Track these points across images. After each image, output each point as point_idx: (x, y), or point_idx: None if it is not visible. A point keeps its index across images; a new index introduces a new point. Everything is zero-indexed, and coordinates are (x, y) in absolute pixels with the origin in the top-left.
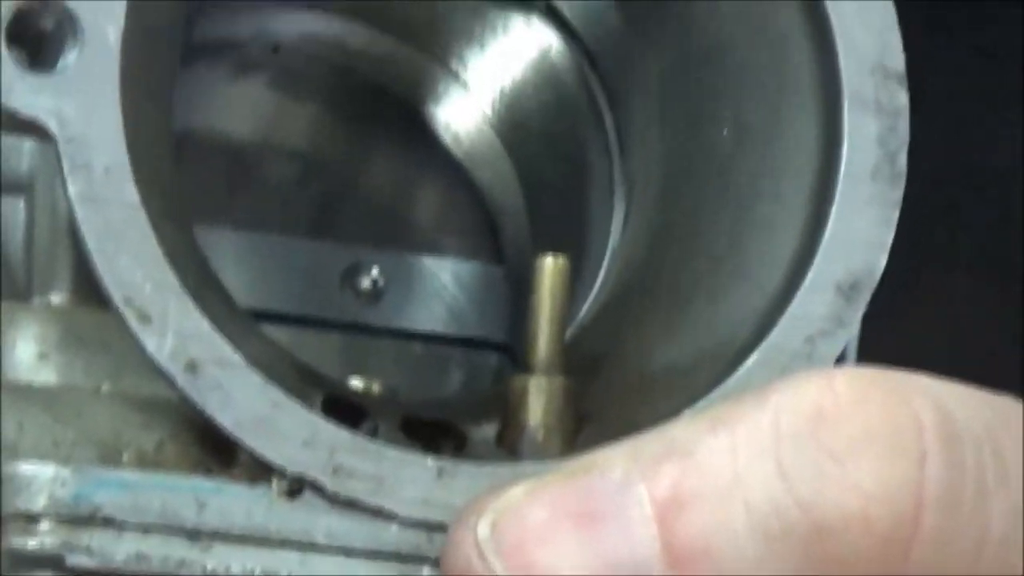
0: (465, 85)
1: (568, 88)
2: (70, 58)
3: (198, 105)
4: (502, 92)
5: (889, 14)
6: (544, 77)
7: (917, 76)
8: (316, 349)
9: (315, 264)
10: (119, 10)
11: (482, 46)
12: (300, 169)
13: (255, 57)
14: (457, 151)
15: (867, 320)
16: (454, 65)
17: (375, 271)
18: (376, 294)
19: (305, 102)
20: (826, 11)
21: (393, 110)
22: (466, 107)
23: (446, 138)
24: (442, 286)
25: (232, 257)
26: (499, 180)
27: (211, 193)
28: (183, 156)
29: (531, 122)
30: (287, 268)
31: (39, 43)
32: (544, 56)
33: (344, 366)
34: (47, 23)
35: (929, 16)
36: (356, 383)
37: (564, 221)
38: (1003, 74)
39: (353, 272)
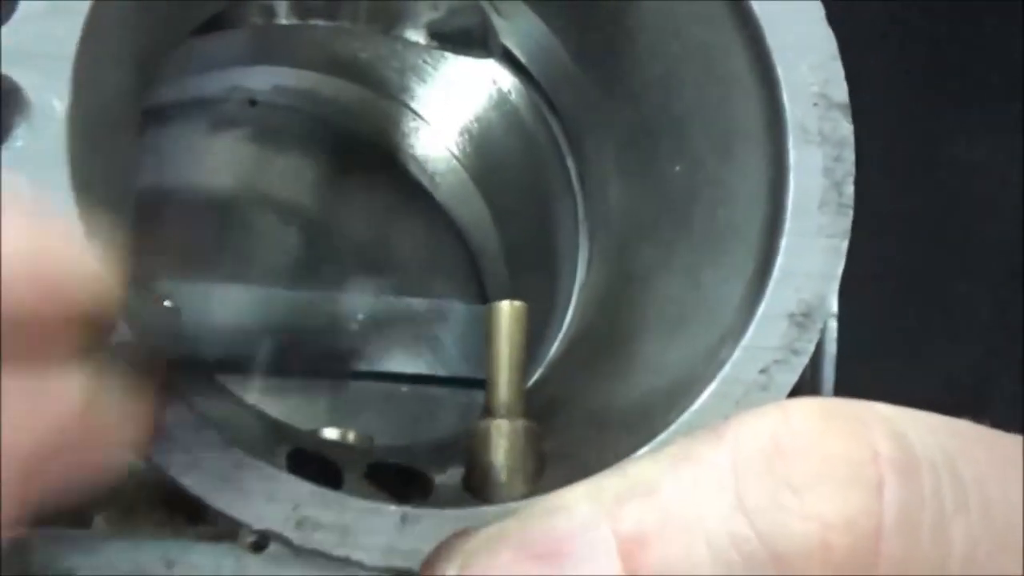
0: (433, 128)
1: (530, 130)
2: (19, 135)
3: (179, 161)
4: (470, 134)
5: (830, 45)
6: (507, 119)
7: None
8: (302, 395)
9: (300, 313)
10: (64, 83)
11: (446, 90)
12: (281, 215)
13: (233, 112)
14: (435, 192)
15: None
16: (421, 109)
17: (360, 316)
18: (362, 332)
19: (284, 152)
20: (767, 46)
21: (369, 155)
22: (437, 149)
23: (423, 180)
24: (427, 327)
25: (224, 308)
26: (475, 219)
27: (195, 246)
28: (169, 208)
29: (498, 162)
30: (273, 317)
31: None
32: (505, 99)
33: (331, 413)
34: None
35: None
36: (330, 433)
37: (535, 260)
38: None
39: (338, 319)
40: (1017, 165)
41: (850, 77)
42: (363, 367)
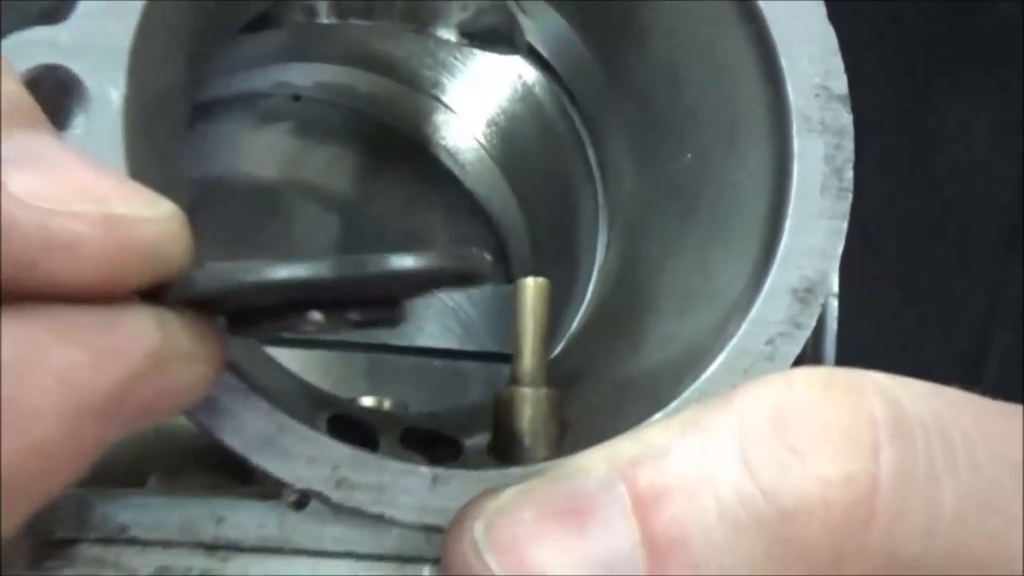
0: (462, 119)
1: (552, 121)
2: (78, 123)
3: (224, 154)
4: (496, 125)
5: (831, 40)
6: (531, 111)
7: None
8: (344, 369)
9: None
10: (120, 74)
11: (475, 84)
12: (322, 203)
13: (278, 106)
14: (464, 179)
15: None
16: (451, 102)
17: None
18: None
19: (324, 144)
20: (772, 40)
21: (403, 146)
22: (465, 139)
23: (453, 168)
24: (457, 306)
25: None
26: (503, 206)
27: (243, 228)
28: (217, 197)
29: (523, 152)
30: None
31: (51, 108)
32: (529, 91)
33: (369, 383)
34: (56, 89)
35: None
36: (367, 401)
37: (558, 243)
38: None
39: None
40: (1016, 163)
41: (850, 76)
42: (398, 342)
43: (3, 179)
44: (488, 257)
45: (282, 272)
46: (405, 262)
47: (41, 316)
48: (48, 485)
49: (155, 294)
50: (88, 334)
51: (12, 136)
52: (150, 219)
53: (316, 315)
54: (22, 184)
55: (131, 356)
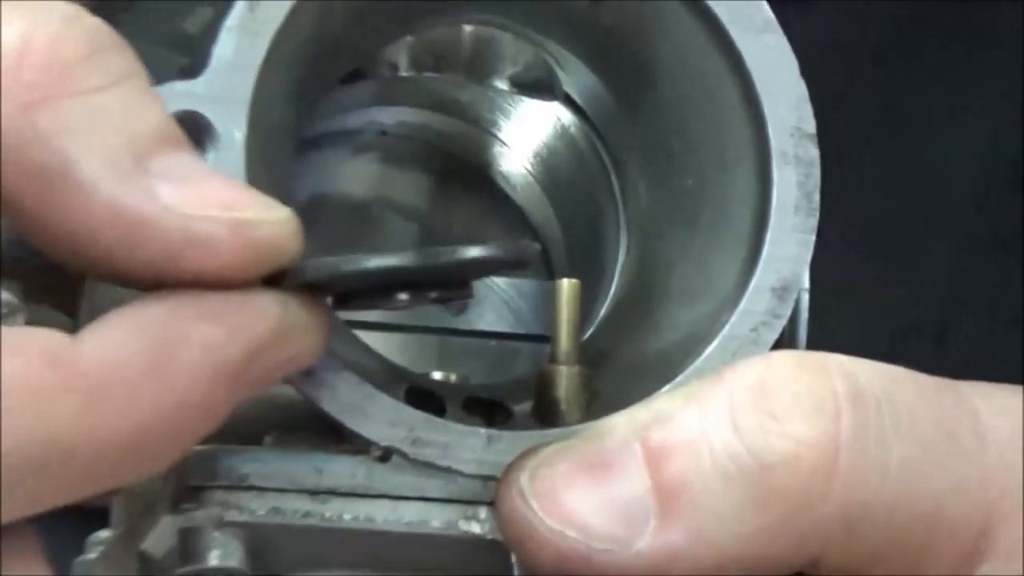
0: (513, 152)
1: (584, 153)
2: (209, 156)
3: (327, 178)
4: (540, 156)
5: (803, 91)
6: (566, 145)
7: None
8: (419, 349)
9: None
10: (242, 119)
11: (523, 124)
12: (404, 220)
13: (369, 140)
14: (516, 199)
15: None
16: (504, 137)
17: None
18: (462, 307)
19: (405, 170)
20: (756, 91)
21: (466, 172)
22: (516, 167)
23: (507, 190)
24: (510, 299)
25: None
26: (546, 220)
27: (339, 241)
28: (320, 213)
29: (561, 178)
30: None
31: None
32: (565, 131)
33: (438, 361)
34: (192, 130)
35: None
36: (437, 375)
37: (589, 249)
38: None
39: None
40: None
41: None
42: (462, 327)
43: (155, 191)
44: (537, 246)
45: (375, 261)
46: (471, 252)
47: (188, 300)
48: (190, 436)
49: (274, 281)
50: (224, 313)
51: (161, 156)
52: (270, 220)
53: (402, 295)
54: (168, 195)
55: (258, 330)
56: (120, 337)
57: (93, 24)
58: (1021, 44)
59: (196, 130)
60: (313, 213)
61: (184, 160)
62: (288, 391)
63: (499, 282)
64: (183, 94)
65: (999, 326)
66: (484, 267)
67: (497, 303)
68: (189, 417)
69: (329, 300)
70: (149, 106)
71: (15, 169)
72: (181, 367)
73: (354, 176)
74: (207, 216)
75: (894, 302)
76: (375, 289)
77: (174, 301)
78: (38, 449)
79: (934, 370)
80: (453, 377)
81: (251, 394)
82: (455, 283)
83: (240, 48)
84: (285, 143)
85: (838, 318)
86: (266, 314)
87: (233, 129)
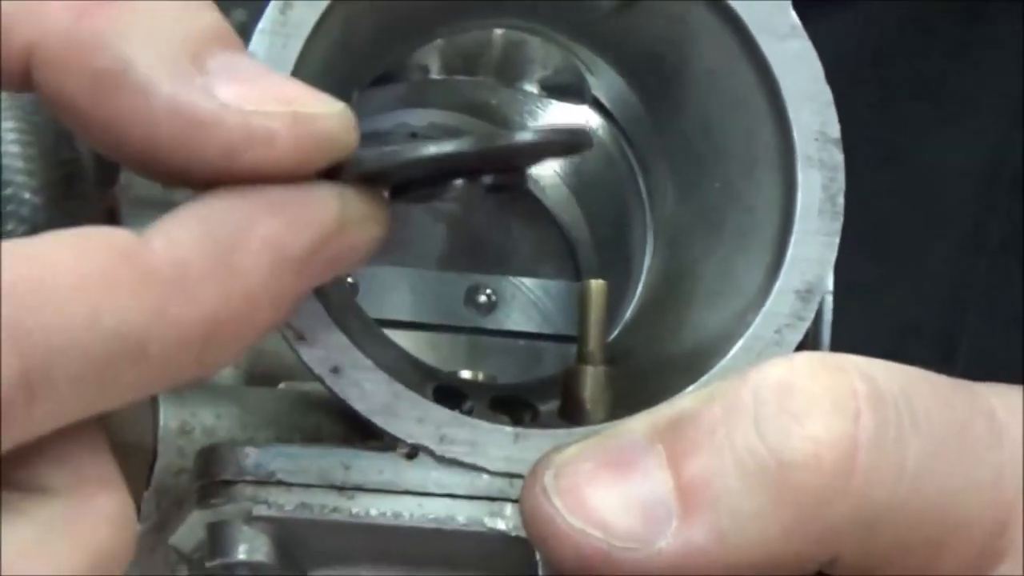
0: None
1: (612, 157)
2: None
3: None
4: (568, 159)
5: (827, 96)
6: (595, 148)
7: None
8: (448, 348)
9: (446, 288)
10: None
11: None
12: (432, 215)
13: (399, 142)
14: (544, 200)
15: None
16: None
17: (489, 291)
18: (490, 307)
19: None
20: (782, 97)
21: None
22: (545, 169)
23: (536, 191)
24: (537, 299)
25: (390, 285)
26: (574, 221)
27: None
28: None
29: (590, 179)
30: (427, 291)
31: None
32: (593, 134)
33: (468, 359)
34: None
35: None
36: (465, 374)
37: (616, 251)
38: None
39: (473, 292)
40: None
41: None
42: (491, 326)
43: (213, 88)
44: (590, 130)
45: (432, 148)
46: (526, 136)
47: (249, 194)
48: (258, 328)
49: (333, 174)
50: (285, 206)
51: (216, 55)
52: (327, 114)
53: (459, 181)
54: (227, 91)
55: (319, 221)
56: (186, 234)
57: None
58: (1021, 44)
59: None
60: None
61: (240, 58)
62: (319, 389)
63: (527, 283)
64: None
65: (1000, 327)
66: (538, 152)
67: (525, 303)
68: (256, 309)
69: (387, 193)
70: (203, 8)
71: (74, 76)
72: (246, 260)
73: None
74: (266, 112)
75: (894, 302)
76: (431, 177)
77: (236, 196)
78: (115, 343)
79: (935, 371)
80: (481, 376)
81: (316, 283)
82: (511, 169)
83: (272, 50)
84: None
85: (838, 318)
86: (326, 205)
87: None
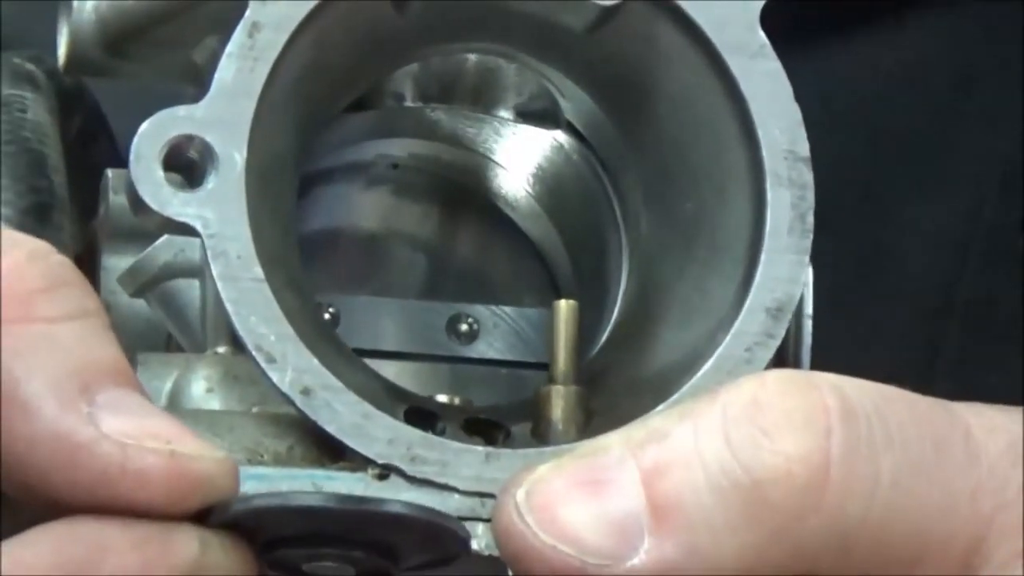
0: (516, 177)
1: (586, 180)
2: (210, 179)
3: (341, 209)
4: (543, 182)
5: (796, 114)
6: (570, 170)
7: None
8: (430, 377)
9: (428, 317)
10: (242, 143)
11: (527, 151)
12: (412, 246)
13: (380, 173)
14: (522, 225)
15: None
16: (509, 166)
17: (471, 319)
18: (472, 336)
19: (416, 201)
20: (751, 115)
21: (474, 200)
22: (520, 193)
23: (513, 216)
24: (519, 327)
25: (372, 315)
26: (551, 246)
27: (353, 270)
28: (333, 243)
29: (564, 203)
30: (409, 321)
31: (191, 168)
32: (568, 157)
33: (450, 388)
34: (194, 154)
35: None
36: (442, 398)
37: (593, 274)
38: None
39: (455, 321)
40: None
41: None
42: (472, 355)
43: (96, 418)
44: (466, 533)
45: (295, 501)
46: (394, 506)
47: (111, 525)
48: None
49: (201, 518)
50: (143, 543)
51: (107, 389)
52: (206, 457)
53: (328, 550)
54: (110, 423)
55: (174, 565)
56: (40, 551)
57: (59, 261)
58: (1012, 118)
59: (198, 154)
60: (324, 246)
61: (130, 396)
62: (289, 410)
63: (508, 311)
64: (184, 118)
65: (989, 339)
66: (407, 532)
67: (506, 332)
68: None
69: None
70: (103, 342)
71: None
72: None
73: (364, 209)
74: (143, 446)
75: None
76: (301, 538)
77: (99, 523)
78: None
79: (924, 383)
80: (457, 400)
81: None
82: (386, 551)
83: (240, 74)
84: (286, 171)
85: (826, 332)
86: (186, 550)
87: (234, 152)
